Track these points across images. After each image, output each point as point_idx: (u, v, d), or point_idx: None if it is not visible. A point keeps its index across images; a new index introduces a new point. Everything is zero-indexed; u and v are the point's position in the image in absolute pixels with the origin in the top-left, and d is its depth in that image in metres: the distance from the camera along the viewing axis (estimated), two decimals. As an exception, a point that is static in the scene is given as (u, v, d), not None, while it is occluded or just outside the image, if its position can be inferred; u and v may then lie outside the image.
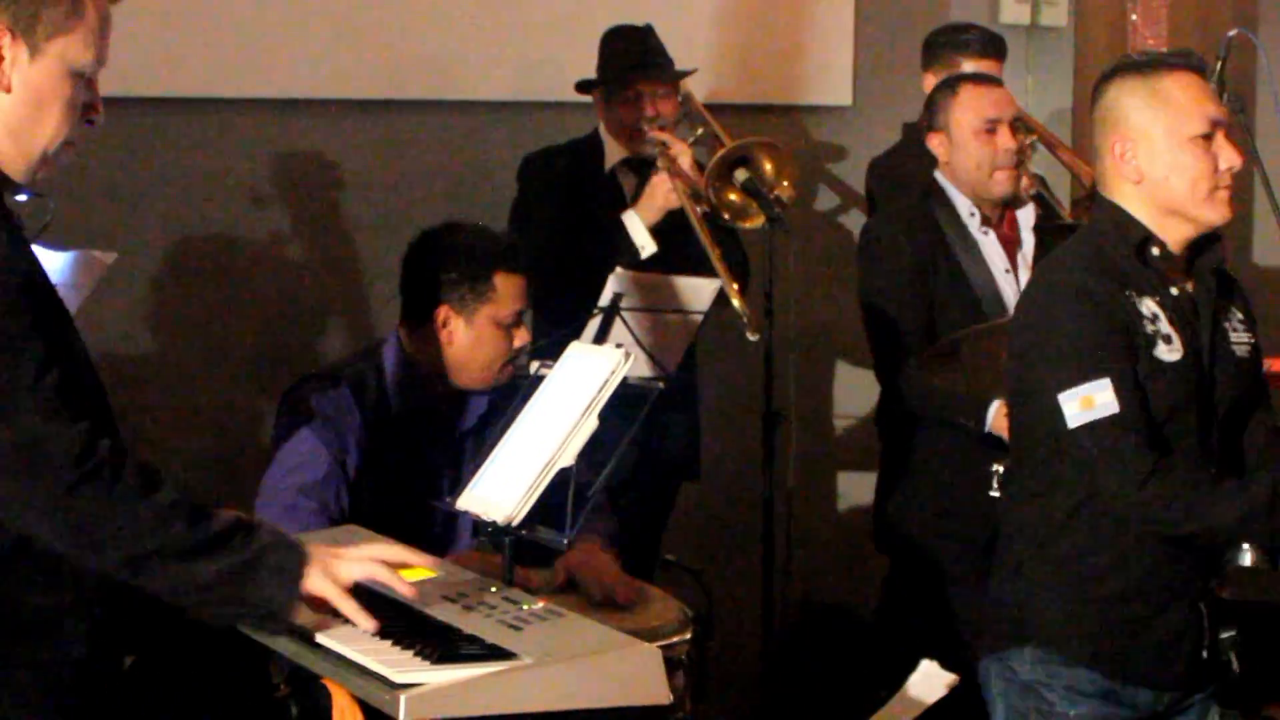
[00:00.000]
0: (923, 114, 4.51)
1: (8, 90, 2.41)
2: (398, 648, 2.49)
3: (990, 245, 4.31)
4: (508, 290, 3.54)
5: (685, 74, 4.83)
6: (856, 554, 5.29)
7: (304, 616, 2.52)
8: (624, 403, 3.03)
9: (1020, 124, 4.38)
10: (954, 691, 3.08)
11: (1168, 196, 3.09)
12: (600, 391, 2.96)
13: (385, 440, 3.51)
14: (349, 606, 2.48)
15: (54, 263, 3.60)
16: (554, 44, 5.21)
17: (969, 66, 4.95)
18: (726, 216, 4.57)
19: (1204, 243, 3.16)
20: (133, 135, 4.71)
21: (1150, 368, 3.03)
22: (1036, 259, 4.25)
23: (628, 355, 2.99)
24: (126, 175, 4.84)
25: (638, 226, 4.61)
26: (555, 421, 3.02)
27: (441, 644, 2.49)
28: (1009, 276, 4.28)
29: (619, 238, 4.60)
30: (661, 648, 2.67)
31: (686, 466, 4.94)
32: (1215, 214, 3.10)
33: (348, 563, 2.51)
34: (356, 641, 2.51)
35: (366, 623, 2.49)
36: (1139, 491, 2.97)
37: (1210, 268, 3.17)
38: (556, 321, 3.99)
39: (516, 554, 3.00)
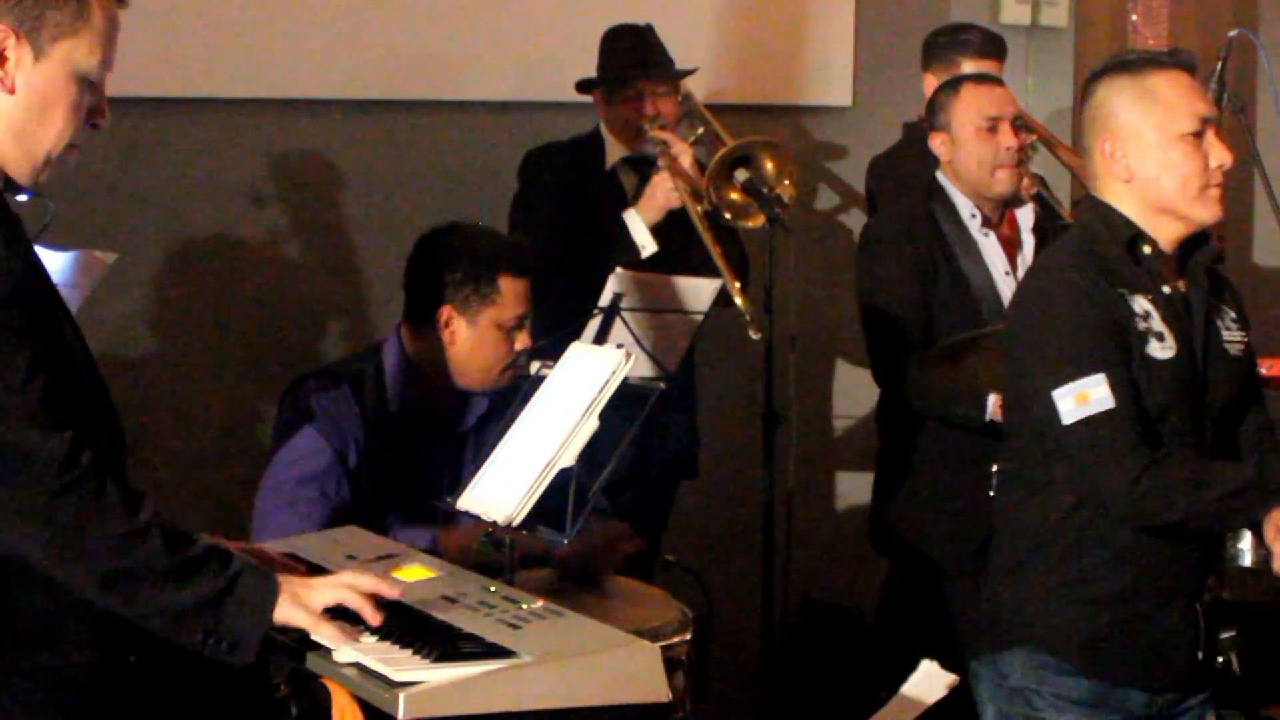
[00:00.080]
0: (925, 114, 4.51)
1: (11, 92, 2.40)
2: (397, 646, 2.49)
3: (990, 247, 4.31)
4: (512, 293, 3.54)
5: (686, 73, 4.84)
6: (856, 554, 5.28)
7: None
8: (624, 403, 3.03)
9: (1021, 123, 4.38)
10: (954, 692, 3.08)
11: (1158, 195, 3.09)
12: (601, 392, 2.96)
13: (385, 439, 3.51)
14: (325, 631, 2.48)
15: (54, 263, 3.60)
16: (554, 44, 5.21)
17: (969, 67, 4.95)
18: (728, 216, 4.57)
19: (1195, 242, 3.15)
20: (133, 135, 4.71)
21: (1143, 365, 3.04)
22: (1036, 260, 4.25)
23: (628, 355, 2.99)
24: (126, 175, 4.84)
25: (638, 225, 4.62)
26: (556, 422, 3.02)
27: (441, 643, 2.50)
28: (1009, 278, 4.28)
29: (620, 236, 4.61)
30: (661, 648, 2.67)
31: (685, 465, 4.94)
32: (1206, 212, 3.09)
33: (320, 591, 2.51)
34: (356, 641, 2.51)
35: (343, 641, 2.48)
36: (1134, 486, 2.97)
37: (1202, 266, 3.16)
38: (556, 321, 4.00)
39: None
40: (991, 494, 3.65)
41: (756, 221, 4.57)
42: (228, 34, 4.93)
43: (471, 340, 3.54)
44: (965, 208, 4.33)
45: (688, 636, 3.27)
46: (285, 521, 3.33)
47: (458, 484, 3.20)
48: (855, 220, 5.61)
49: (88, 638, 2.43)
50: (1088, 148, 3.17)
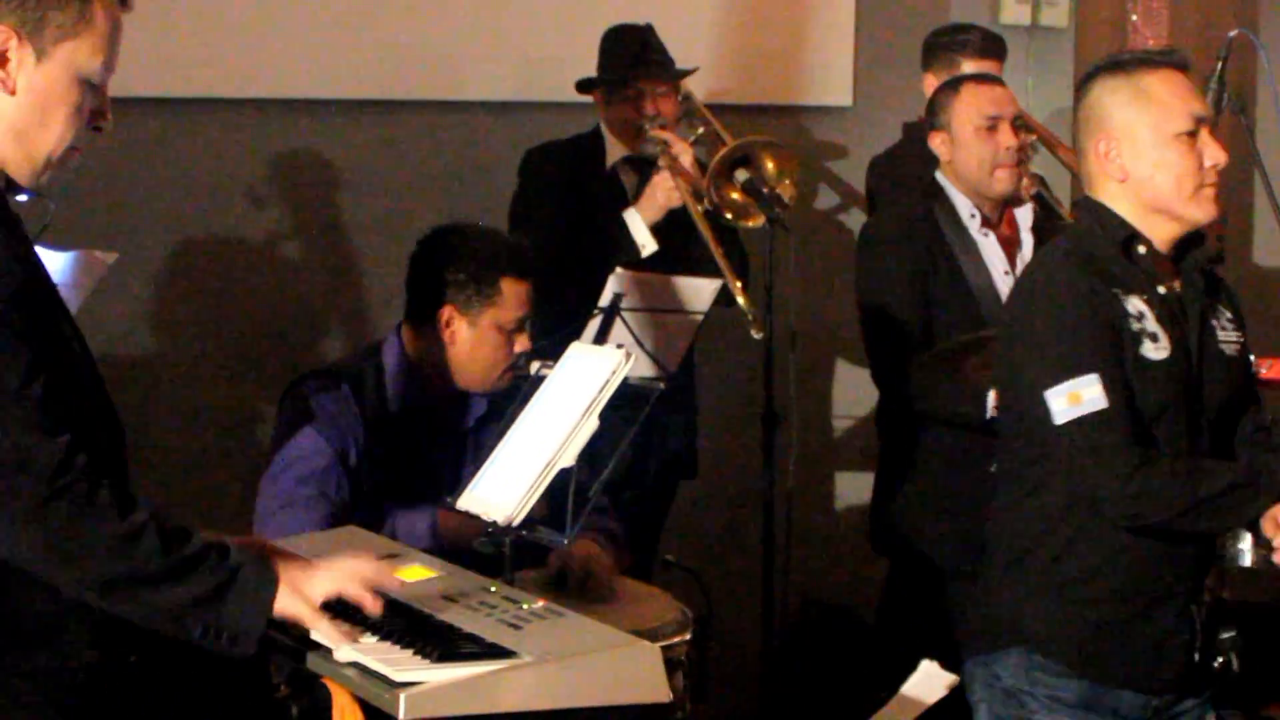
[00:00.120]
0: (925, 114, 4.51)
1: (13, 93, 2.40)
2: (397, 647, 2.49)
3: (990, 247, 4.31)
4: (513, 295, 3.54)
5: (686, 73, 4.84)
6: (856, 554, 5.28)
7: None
8: (624, 403, 3.03)
9: (1021, 123, 4.38)
10: (954, 692, 3.08)
11: (1153, 195, 3.08)
12: (601, 392, 2.96)
13: (385, 439, 3.51)
14: (322, 626, 2.47)
15: (54, 263, 3.60)
16: (554, 44, 5.21)
17: (969, 67, 4.96)
18: (729, 216, 4.57)
19: (1191, 241, 3.14)
20: (133, 135, 4.71)
21: (1137, 366, 3.02)
22: (1035, 260, 4.25)
23: (628, 355, 2.99)
24: (126, 175, 4.84)
25: (639, 225, 4.62)
26: (556, 422, 3.02)
27: (441, 643, 2.49)
28: (1008, 278, 4.27)
29: (620, 235, 4.61)
30: (661, 648, 2.67)
31: (684, 465, 4.94)
32: (1201, 212, 3.08)
33: (319, 581, 2.49)
34: (356, 641, 2.51)
35: (340, 641, 2.48)
36: (1126, 486, 2.96)
37: (1197, 266, 3.15)
38: (557, 321, 4.00)
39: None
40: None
41: (757, 221, 4.57)
42: (228, 34, 4.94)
43: (471, 341, 3.54)
44: (964, 207, 4.33)
45: (688, 636, 3.27)
46: (285, 522, 3.33)
47: (458, 484, 3.19)
48: (855, 220, 5.61)
49: (87, 639, 2.43)
50: (1082, 148, 3.16)
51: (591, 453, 3.00)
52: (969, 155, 4.30)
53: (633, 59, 4.75)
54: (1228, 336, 3.17)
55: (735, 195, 4.56)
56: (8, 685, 2.39)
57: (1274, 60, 4.27)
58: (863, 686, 3.84)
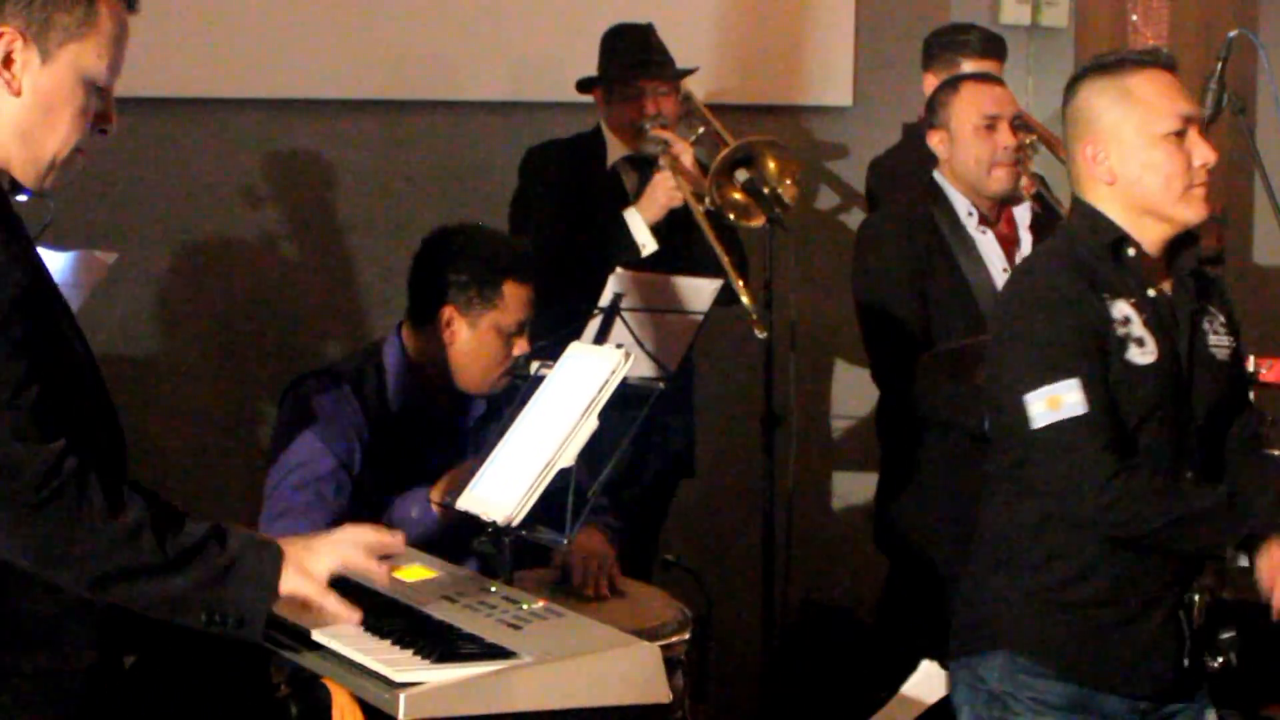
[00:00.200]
0: (924, 112, 4.52)
1: (17, 94, 2.40)
2: (397, 647, 2.49)
3: (988, 245, 4.32)
4: (515, 299, 3.54)
5: (687, 73, 4.84)
6: (856, 554, 5.29)
7: (302, 615, 2.52)
8: (624, 403, 3.03)
9: (1020, 123, 4.38)
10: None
11: (1142, 196, 3.04)
12: (600, 392, 2.96)
13: (386, 438, 3.51)
14: (330, 604, 2.46)
15: (54, 263, 3.60)
16: (554, 44, 5.21)
17: (969, 67, 4.96)
18: (731, 216, 4.57)
19: (1182, 243, 3.11)
20: (133, 135, 4.71)
21: (1122, 372, 2.99)
22: (1034, 258, 4.24)
23: (628, 355, 2.99)
24: (126, 175, 4.85)
25: (639, 224, 4.62)
26: (555, 422, 3.03)
27: (441, 643, 2.50)
28: (1006, 276, 4.27)
29: (620, 235, 4.61)
30: (661, 648, 2.67)
31: (682, 465, 4.94)
32: (1191, 212, 3.04)
33: (323, 555, 2.47)
34: (356, 641, 2.51)
35: (350, 616, 2.46)
36: (1101, 494, 2.93)
37: (1188, 268, 3.12)
38: (557, 321, 4.00)
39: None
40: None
41: (758, 221, 4.57)
42: (228, 34, 4.94)
43: (470, 342, 3.54)
44: (963, 206, 4.33)
45: (687, 636, 3.27)
46: (285, 528, 3.32)
47: (458, 483, 3.20)
48: (855, 220, 5.60)
49: (88, 640, 2.43)
50: (1070, 151, 3.13)
51: (591, 453, 3.01)
52: (967, 154, 4.30)
53: (634, 58, 4.75)
54: (1219, 340, 3.13)
55: (737, 195, 4.57)
56: (8, 685, 2.39)
57: (1274, 60, 4.27)
58: (863, 686, 3.85)
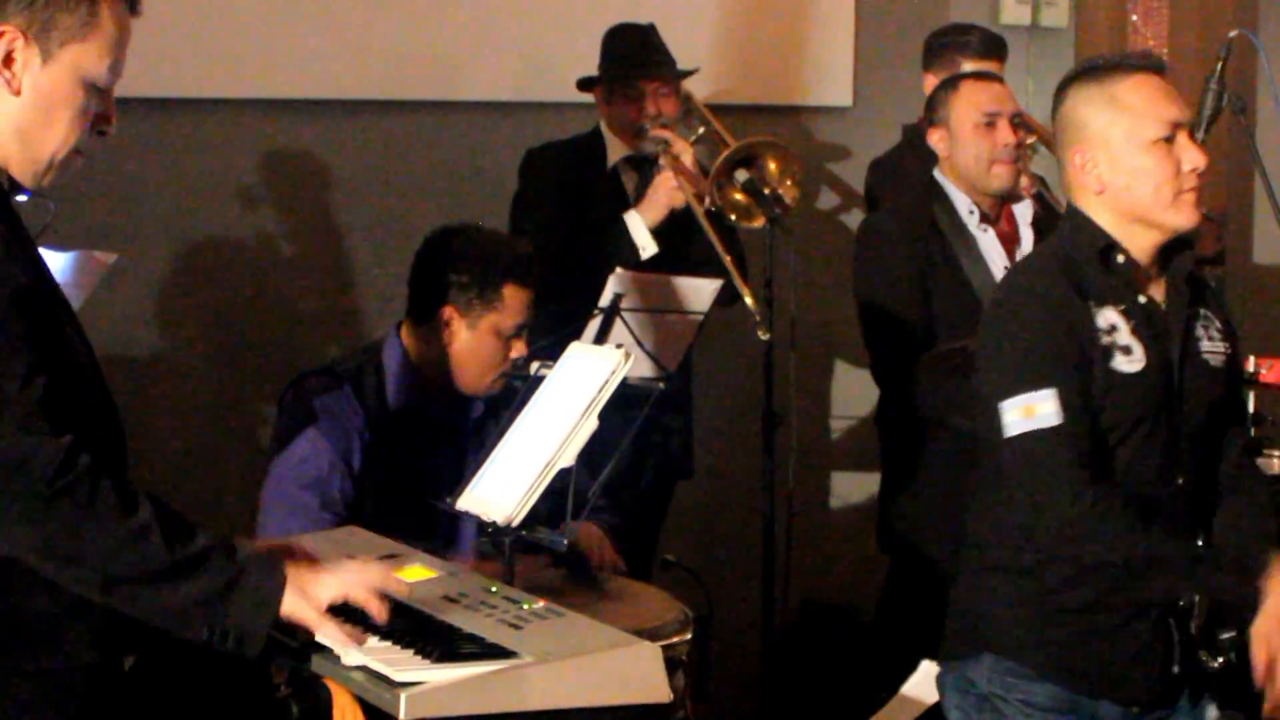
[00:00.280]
0: (924, 111, 4.52)
1: (18, 94, 2.39)
2: (398, 647, 2.49)
3: (989, 242, 4.32)
4: (515, 302, 3.54)
5: (688, 73, 4.84)
6: (856, 554, 5.29)
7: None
8: (624, 403, 3.03)
9: (1020, 121, 4.39)
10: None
11: (1131, 204, 2.99)
12: (600, 392, 2.97)
13: (386, 438, 3.51)
14: (328, 630, 2.46)
15: (54, 263, 3.60)
16: (554, 44, 5.21)
17: (969, 67, 4.96)
18: (733, 217, 4.57)
19: (1175, 248, 3.06)
20: (133, 135, 4.70)
21: (1107, 381, 2.94)
22: (1036, 257, 4.24)
23: (628, 355, 2.99)
24: (126, 175, 4.84)
25: (639, 227, 4.62)
26: (555, 422, 3.03)
27: (442, 643, 2.49)
28: (1007, 275, 4.28)
29: (620, 237, 4.61)
30: (661, 648, 2.67)
31: (680, 466, 4.94)
32: (1182, 218, 2.99)
33: (326, 583, 2.47)
34: (362, 644, 2.50)
35: (347, 641, 2.46)
36: (1067, 509, 2.87)
37: (1181, 274, 3.07)
38: (556, 321, 4.00)
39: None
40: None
41: (759, 222, 4.57)
42: (227, 34, 4.94)
43: (469, 343, 3.54)
44: (963, 204, 4.34)
45: (688, 636, 3.27)
46: (288, 525, 3.33)
47: (458, 483, 3.20)
48: (855, 220, 5.60)
49: (88, 640, 2.43)
50: (1061, 159, 3.09)
51: (591, 453, 3.01)
52: (967, 151, 4.31)
53: (634, 58, 4.75)
54: (1213, 346, 3.08)
55: (737, 196, 4.57)
56: (8, 685, 2.38)
57: (1274, 60, 4.27)
58: (863, 686, 3.85)
